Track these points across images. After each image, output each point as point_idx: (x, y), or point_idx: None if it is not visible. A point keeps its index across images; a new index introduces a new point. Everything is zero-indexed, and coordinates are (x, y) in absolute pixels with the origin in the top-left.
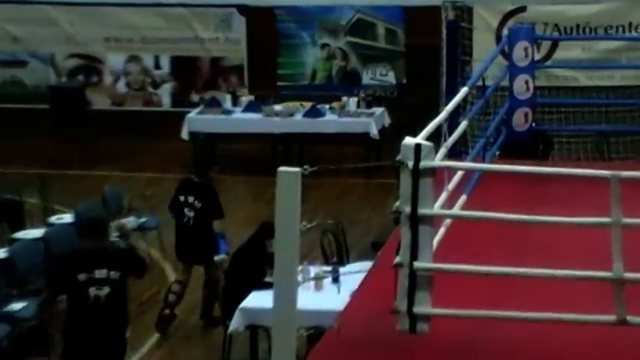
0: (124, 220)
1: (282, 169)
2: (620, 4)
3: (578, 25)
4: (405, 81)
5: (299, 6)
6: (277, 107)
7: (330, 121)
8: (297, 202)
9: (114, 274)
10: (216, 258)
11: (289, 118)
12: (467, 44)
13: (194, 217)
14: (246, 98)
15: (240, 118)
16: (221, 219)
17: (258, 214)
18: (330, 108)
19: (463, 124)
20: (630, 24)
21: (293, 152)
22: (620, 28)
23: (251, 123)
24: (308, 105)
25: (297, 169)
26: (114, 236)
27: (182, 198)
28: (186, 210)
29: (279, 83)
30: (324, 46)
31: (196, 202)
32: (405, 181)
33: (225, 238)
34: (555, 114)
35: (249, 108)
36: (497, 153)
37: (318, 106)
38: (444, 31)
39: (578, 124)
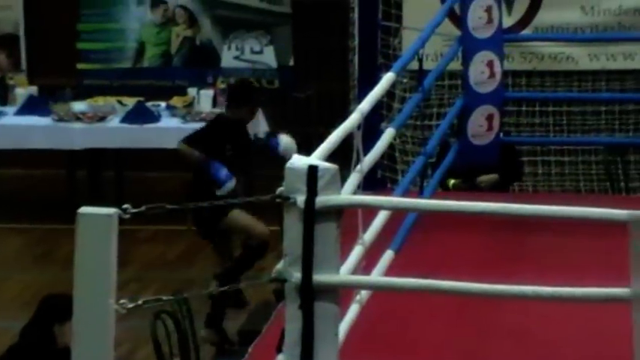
0: None
1: (85, 210)
2: None
3: None
4: (292, 62)
5: None
6: (78, 106)
7: (169, 130)
8: (110, 265)
9: None
10: None
11: (99, 125)
12: (393, 2)
13: None
14: (23, 91)
15: (13, 126)
16: None
17: (41, 286)
18: (169, 107)
19: (388, 134)
20: None
21: (104, 181)
22: None
23: (32, 133)
24: (131, 102)
25: (111, 211)
26: None
27: None
28: None
29: (80, 66)
30: (156, 3)
31: None
32: (293, 229)
33: None
34: (538, 117)
35: (29, 107)
36: (453, 182)
37: (148, 105)
38: None
39: (575, 133)
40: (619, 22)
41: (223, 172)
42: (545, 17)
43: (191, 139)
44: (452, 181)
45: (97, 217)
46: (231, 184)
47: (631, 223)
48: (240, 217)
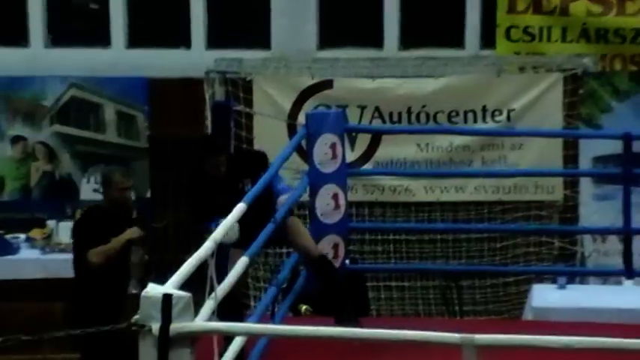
0: None
1: None
2: (469, 80)
3: (409, 110)
4: (149, 194)
5: None
6: None
7: (29, 261)
8: None
9: None
10: None
11: None
12: (245, 137)
13: None
14: None
15: None
16: None
17: None
18: (28, 239)
19: (242, 262)
20: (484, 109)
21: None
22: (471, 115)
23: None
24: None
25: None
26: None
27: None
28: None
29: None
30: (16, 139)
31: None
32: (147, 356)
33: None
34: (380, 244)
35: None
36: (305, 308)
37: (8, 237)
38: (209, 118)
39: (414, 259)
40: (450, 158)
41: None
42: (384, 153)
43: None
44: (303, 307)
45: None
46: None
47: (463, 346)
48: None
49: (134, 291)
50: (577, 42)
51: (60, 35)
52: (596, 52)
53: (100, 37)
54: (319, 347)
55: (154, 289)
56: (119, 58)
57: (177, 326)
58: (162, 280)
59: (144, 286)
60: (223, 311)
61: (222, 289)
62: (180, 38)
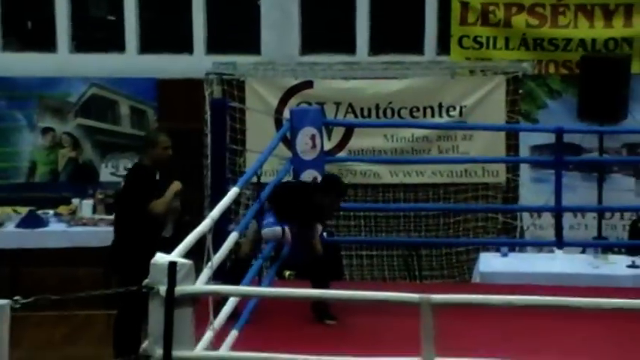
0: None
1: None
2: (427, 81)
3: (378, 106)
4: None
5: (10, 77)
6: None
7: (57, 233)
8: (3, 345)
9: None
10: None
11: None
12: (239, 129)
13: None
14: None
15: None
16: None
17: None
18: (56, 214)
19: (233, 236)
20: (440, 105)
21: (1, 277)
22: (429, 111)
23: None
24: (24, 211)
25: (4, 302)
26: None
27: None
28: None
29: None
30: (46, 130)
31: None
32: (156, 313)
33: None
34: (353, 220)
35: None
36: (288, 273)
37: (39, 212)
38: (208, 113)
39: (381, 233)
40: (412, 147)
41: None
42: (356, 143)
43: None
44: (287, 273)
45: None
46: None
47: (421, 305)
48: None
49: (168, 235)
50: (518, 49)
51: (82, 42)
52: (534, 58)
53: (116, 44)
54: (300, 306)
55: (161, 258)
56: (132, 62)
57: (180, 289)
58: (193, 224)
59: (179, 229)
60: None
61: (218, 258)
62: (184, 45)
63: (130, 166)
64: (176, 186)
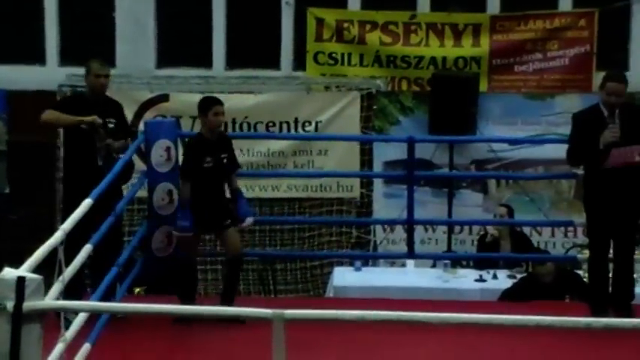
0: None
1: None
2: (283, 96)
3: (234, 120)
4: (8, 190)
5: None
6: None
7: None
8: None
9: None
10: None
11: None
12: None
13: None
14: None
15: None
16: None
17: None
18: None
19: (86, 249)
20: (296, 120)
21: None
22: (285, 125)
23: None
24: None
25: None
26: None
27: None
28: None
29: None
30: None
31: None
32: (2, 330)
33: None
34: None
35: None
36: (137, 290)
37: None
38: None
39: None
40: (267, 162)
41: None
42: None
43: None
44: (137, 290)
45: None
46: None
47: (273, 320)
48: None
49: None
50: (372, 66)
51: None
52: (387, 75)
53: None
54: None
55: (9, 273)
56: None
57: (29, 304)
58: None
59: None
60: (69, 292)
61: (72, 269)
62: (37, 56)
63: None
64: (92, 119)
